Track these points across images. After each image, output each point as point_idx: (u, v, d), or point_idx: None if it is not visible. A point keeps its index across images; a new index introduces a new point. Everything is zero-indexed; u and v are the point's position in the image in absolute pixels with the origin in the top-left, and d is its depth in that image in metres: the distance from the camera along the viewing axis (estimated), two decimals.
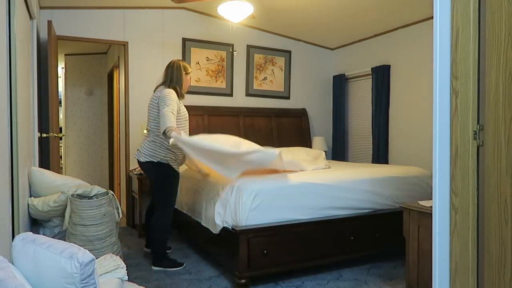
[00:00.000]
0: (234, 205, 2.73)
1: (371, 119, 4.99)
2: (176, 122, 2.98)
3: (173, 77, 3.16)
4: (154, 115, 3.09)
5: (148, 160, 3.10)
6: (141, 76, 4.55)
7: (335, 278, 2.94)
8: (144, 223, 3.75)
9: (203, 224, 3.15)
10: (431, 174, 3.37)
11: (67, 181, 2.98)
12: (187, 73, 3.22)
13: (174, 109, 2.96)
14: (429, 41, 4.16)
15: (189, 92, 4.76)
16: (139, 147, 3.24)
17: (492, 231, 1.69)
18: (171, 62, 3.25)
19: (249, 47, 5.13)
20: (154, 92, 3.17)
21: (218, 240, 2.98)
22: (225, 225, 2.79)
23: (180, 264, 3.18)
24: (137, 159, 3.21)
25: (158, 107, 3.01)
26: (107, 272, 1.71)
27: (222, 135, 3.16)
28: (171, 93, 3.03)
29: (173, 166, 3.14)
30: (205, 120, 4.76)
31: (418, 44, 4.37)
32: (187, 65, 3.25)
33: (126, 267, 1.82)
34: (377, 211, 3.19)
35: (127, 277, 1.79)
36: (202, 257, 3.43)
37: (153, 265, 3.15)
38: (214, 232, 2.93)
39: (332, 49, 5.75)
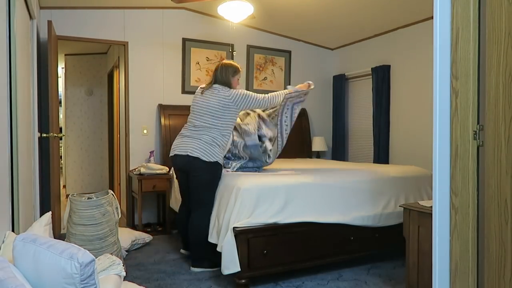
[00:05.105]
0: (234, 205, 2.73)
1: (371, 119, 5.00)
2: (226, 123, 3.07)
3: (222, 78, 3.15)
4: (212, 112, 3.03)
5: (205, 159, 2.98)
6: (141, 76, 4.55)
7: (335, 278, 2.94)
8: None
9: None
10: (431, 174, 3.38)
11: None
12: (233, 76, 3.18)
13: (257, 95, 3.17)
14: (429, 41, 4.18)
15: (189, 92, 4.78)
16: (180, 143, 3.09)
17: (492, 231, 1.69)
18: (218, 64, 3.22)
19: (249, 47, 5.13)
20: (207, 89, 3.14)
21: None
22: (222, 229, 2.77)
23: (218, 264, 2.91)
24: (180, 154, 3.04)
25: (224, 106, 3.02)
26: (103, 270, 1.71)
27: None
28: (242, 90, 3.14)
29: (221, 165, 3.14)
30: None
31: (418, 44, 4.37)
32: (235, 67, 3.20)
33: (125, 266, 1.81)
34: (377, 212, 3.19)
35: (124, 272, 1.79)
36: None
37: (193, 267, 3.08)
38: (213, 242, 2.91)
39: (332, 49, 5.75)
